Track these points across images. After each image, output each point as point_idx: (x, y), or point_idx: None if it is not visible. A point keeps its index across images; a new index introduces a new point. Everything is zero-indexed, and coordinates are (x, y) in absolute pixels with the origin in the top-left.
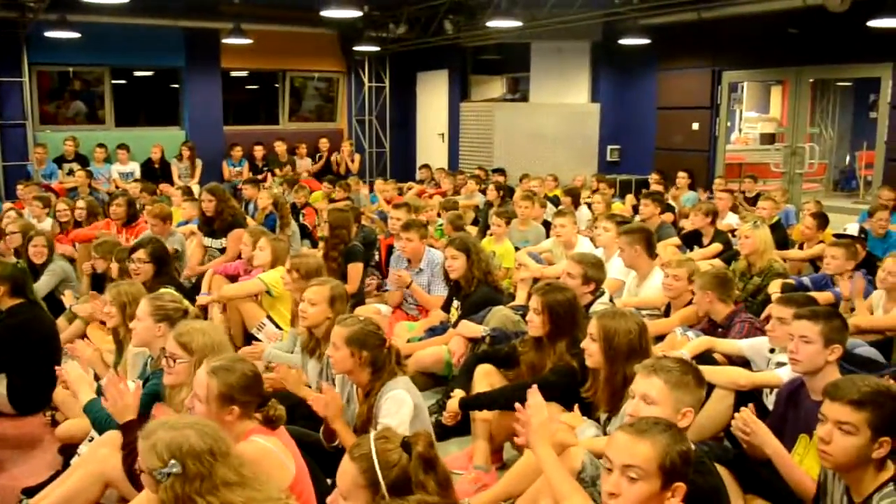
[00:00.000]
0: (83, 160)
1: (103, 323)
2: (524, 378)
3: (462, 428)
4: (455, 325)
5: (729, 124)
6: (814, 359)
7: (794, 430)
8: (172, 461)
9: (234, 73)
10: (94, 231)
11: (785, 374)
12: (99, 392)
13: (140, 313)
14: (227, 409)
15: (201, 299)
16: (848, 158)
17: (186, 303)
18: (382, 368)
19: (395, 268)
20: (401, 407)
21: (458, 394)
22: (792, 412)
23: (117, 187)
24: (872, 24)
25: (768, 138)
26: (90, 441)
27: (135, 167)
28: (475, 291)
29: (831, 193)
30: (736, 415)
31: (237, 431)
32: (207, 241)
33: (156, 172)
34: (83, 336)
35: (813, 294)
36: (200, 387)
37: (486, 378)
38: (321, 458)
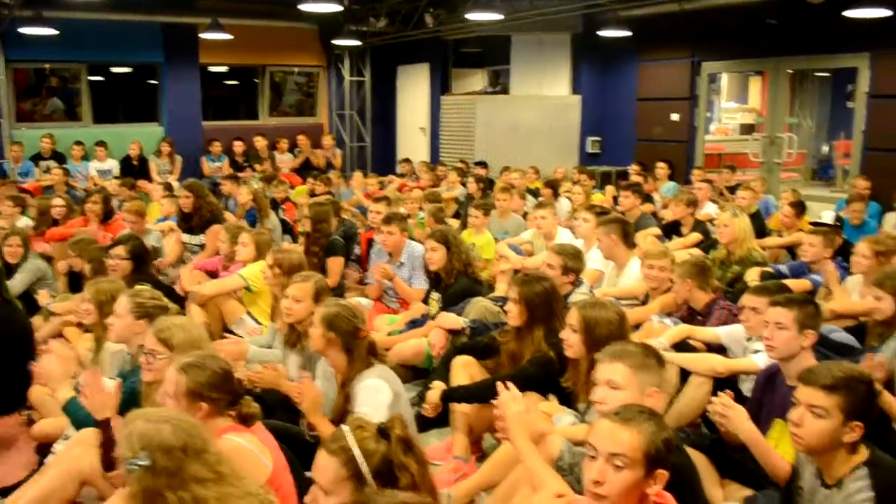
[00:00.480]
0: (60, 158)
1: (79, 325)
2: (504, 368)
3: (441, 419)
4: (435, 317)
5: (708, 115)
6: (789, 344)
7: (770, 414)
8: (143, 453)
9: (212, 69)
10: (71, 229)
11: (761, 361)
12: (77, 390)
13: (120, 310)
14: (196, 405)
15: (184, 278)
16: (826, 148)
17: (166, 300)
18: (354, 357)
19: (376, 261)
20: (377, 395)
21: (438, 386)
22: (768, 397)
23: (95, 185)
24: (849, 14)
25: (747, 128)
26: (66, 440)
27: (113, 164)
28: (455, 283)
29: (809, 183)
30: (713, 398)
31: (209, 429)
32: (186, 237)
33: (134, 169)
34: (59, 335)
35: (789, 282)
36: (170, 383)
37: (465, 369)
38: (302, 452)
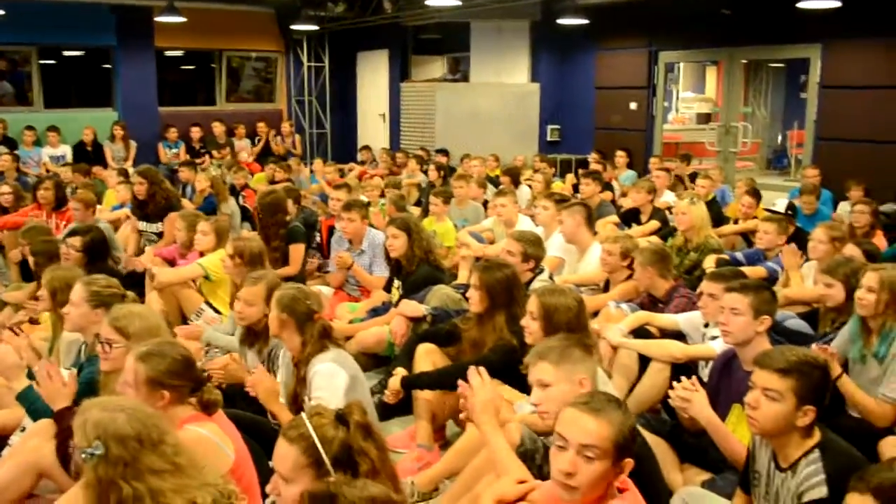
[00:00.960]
0: (11, 143)
1: (32, 321)
2: (466, 355)
3: (404, 407)
4: (397, 304)
5: (666, 104)
6: (744, 330)
7: (728, 399)
8: (97, 442)
9: (168, 53)
10: (24, 217)
11: (718, 347)
12: (31, 379)
13: (75, 298)
14: (158, 394)
15: (146, 259)
16: (780, 137)
17: (122, 289)
18: (307, 339)
19: (336, 249)
20: (332, 379)
21: (399, 372)
22: (725, 383)
23: (48, 171)
24: (802, 5)
25: (704, 118)
26: (22, 431)
27: (66, 150)
28: (416, 271)
29: (764, 171)
30: (675, 384)
31: (171, 418)
32: (142, 225)
33: (88, 155)
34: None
35: (745, 269)
36: (129, 373)
37: (428, 357)
38: (264, 441)
